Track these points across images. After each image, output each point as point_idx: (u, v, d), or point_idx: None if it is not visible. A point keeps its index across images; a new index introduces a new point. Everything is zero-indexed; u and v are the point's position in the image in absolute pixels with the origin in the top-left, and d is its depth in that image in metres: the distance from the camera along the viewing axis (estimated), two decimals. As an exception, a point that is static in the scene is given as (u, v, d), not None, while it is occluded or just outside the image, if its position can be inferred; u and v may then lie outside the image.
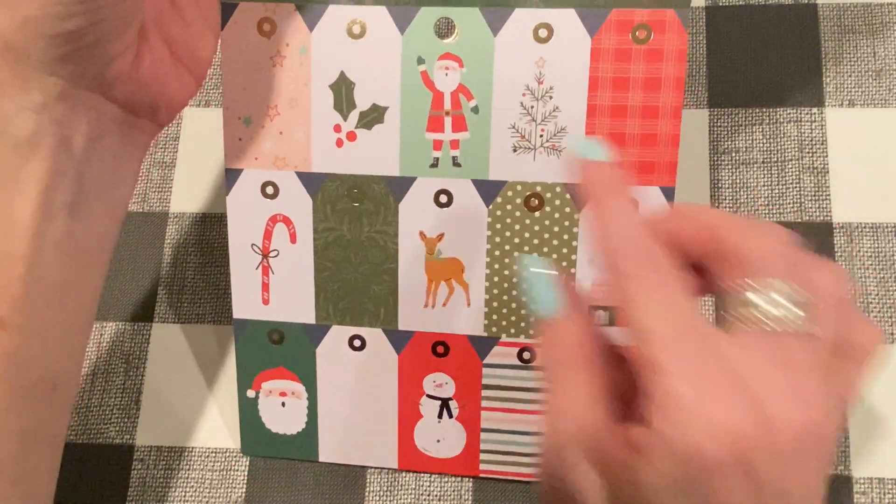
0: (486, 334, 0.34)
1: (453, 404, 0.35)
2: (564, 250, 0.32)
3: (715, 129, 0.39)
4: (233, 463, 0.36)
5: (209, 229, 0.40)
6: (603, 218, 0.24)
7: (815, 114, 0.39)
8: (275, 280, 0.34)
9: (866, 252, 0.37)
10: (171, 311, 0.39)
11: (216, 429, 0.37)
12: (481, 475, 0.35)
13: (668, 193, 0.31)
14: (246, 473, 0.36)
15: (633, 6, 0.30)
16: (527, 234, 0.33)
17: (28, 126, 0.26)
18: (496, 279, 0.33)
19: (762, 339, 0.21)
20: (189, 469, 0.36)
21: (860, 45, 0.40)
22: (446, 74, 0.32)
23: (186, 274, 0.39)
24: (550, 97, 0.31)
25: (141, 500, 0.36)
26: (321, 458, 0.36)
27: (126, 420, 0.37)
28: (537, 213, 0.32)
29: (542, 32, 0.31)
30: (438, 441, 0.35)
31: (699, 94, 0.40)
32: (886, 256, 0.37)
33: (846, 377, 0.22)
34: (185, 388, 0.38)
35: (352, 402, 0.35)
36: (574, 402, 0.23)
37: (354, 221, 0.33)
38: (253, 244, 0.34)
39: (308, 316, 0.35)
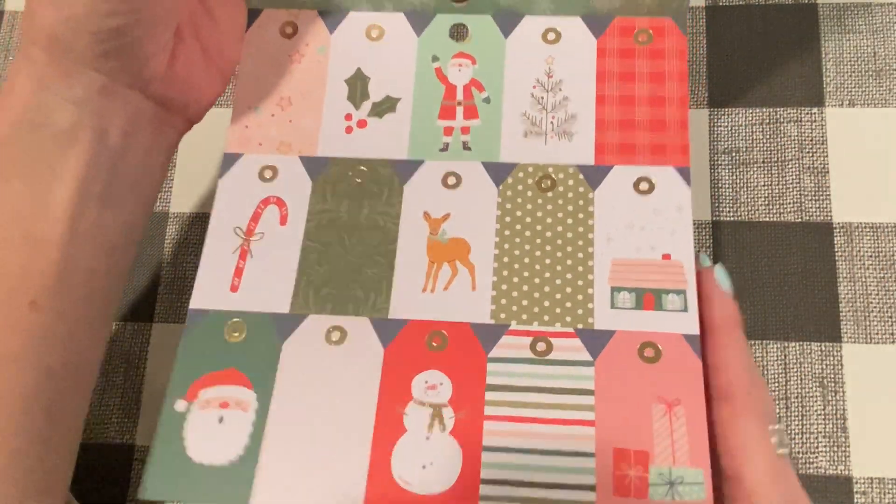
0: (492, 321, 0.30)
1: (447, 413, 0.28)
2: (580, 229, 0.31)
3: (715, 129, 0.39)
4: (233, 463, 0.37)
5: (209, 229, 0.40)
6: (723, 348, 0.28)
7: (815, 114, 0.39)
8: (251, 265, 0.31)
9: (866, 252, 0.37)
10: (171, 311, 0.39)
11: (216, 429, 0.37)
12: None
13: (684, 173, 0.31)
14: (246, 473, 0.36)
15: (634, 14, 0.33)
16: (539, 214, 0.31)
17: (68, 118, 0.27)
18: (506, 260, 0.30)
19: (786, 462, 0.28)
20: (189, 469, 0.36)
21: (860, 45, 0.40)
22: (459, 70, 0.33)
23: (186, 274, 0.39)
24: (560, 89, 0.33)
25: (141, 500, 0.36)
26: (252, 501, 0.27)
27: (126, 420, 0.37)
28: (550, 194, 0.31)
29: (551, 35, 0.33)
30: (424, 467, 0.27)
31: (699, 94, 0.40)
32: (886, 256, 0.37)
33: None
34: (185, 388, 0.38)
35: (313, 412, 0.28)
36: None
37: (354, 203, 0.32)
38: (237, 227, 0.31)
39: (282, 304, 0.30)
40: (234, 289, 0.30)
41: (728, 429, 0.28)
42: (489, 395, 0.28)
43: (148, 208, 0.32)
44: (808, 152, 0.38)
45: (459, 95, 0.33)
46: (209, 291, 0.30)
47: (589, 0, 0.33)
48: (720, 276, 0.30)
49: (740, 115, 0.39)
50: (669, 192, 0.31)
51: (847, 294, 0.36)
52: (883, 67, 0.39)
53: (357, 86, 0.33)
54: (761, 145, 0.39)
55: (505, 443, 0.28)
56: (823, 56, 0.40)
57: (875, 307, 0.36)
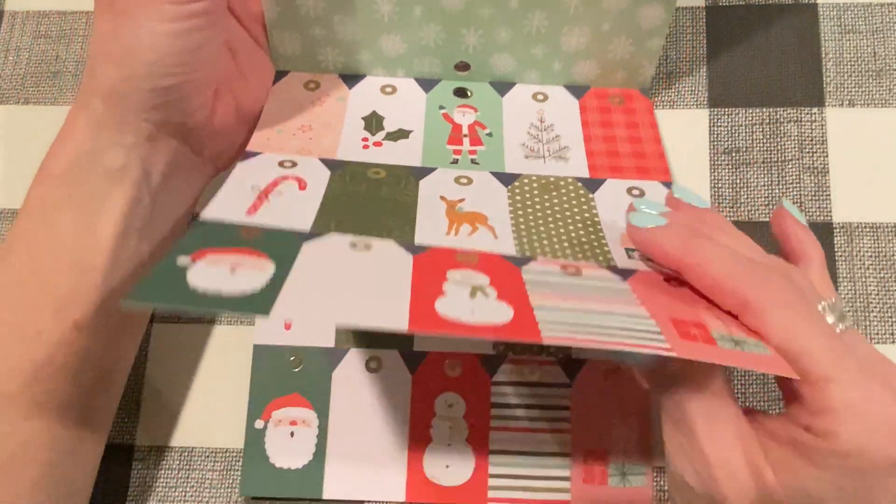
0: (518, 255, 0.30)
1: (490, 290, 0.26)
2: (587, 215, 0.34)
3: (715, 129, 0.39)
4: (233, 463, 0.36)
5: (209, 229, 0.40)
6: (697, 258, 0.26)
7: (815, 114, 0.39)
8: (267, 207, 0.31)
9: (866, 252, 0.37)
10: (170, 310, 0.39)
11: (216, 429, 0.37)
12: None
13: (668, 185, 0.35)
14: (246, 473, 0.36)
15: (606, 86, 0.39)
16: (547, 204, 0.34)
17: (119, 159, 0.30)
18: (522, 226, 0.32)
19: (851, 335, 0.26)
20: (189, 469, 0.36)
21: (860, 45, 0.40)
22: (463, 115, 0.38)
23: (186, 274, 0.39)
24: (552, 129, 0.38)
25: (141, 500, 0.36)
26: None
27: (126, 420, 0.37)
28: (554, 193, 0.35)
29: (540, 96, 0.39)
30: (473, 298, 0.25)
31: (699, 94, 0.40)
32: (886, 256, 0.37)
33: None
34: (185, 388, 0.38)
35: (342, 272, 0.27)
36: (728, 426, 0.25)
37: (372, 187, 0.34)
38: (254, 185, 0.32)
39: (303, 225, 0.29)
40: (250, 212, 0.30)
41: (762, 332, 0.24)
42: (528, 286, 0.27)
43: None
44: (808, 152, 0.38)
45: (465, 131, 0.38)
46: (224, 207, 0.29)
47: (569, 74, 0.39)
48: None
49: (740, 115, 0.39)
50: (659, 198, 0.34)
51: (847, 294, 0.36)
52: (883, 67, 0.39)
53: (373, 121, 0.38)
54: (761, 145, 0.39)
55: (554, 304, 0.26)
56: (823, 56, 0.40)
57: (875, 307, 0.36)
